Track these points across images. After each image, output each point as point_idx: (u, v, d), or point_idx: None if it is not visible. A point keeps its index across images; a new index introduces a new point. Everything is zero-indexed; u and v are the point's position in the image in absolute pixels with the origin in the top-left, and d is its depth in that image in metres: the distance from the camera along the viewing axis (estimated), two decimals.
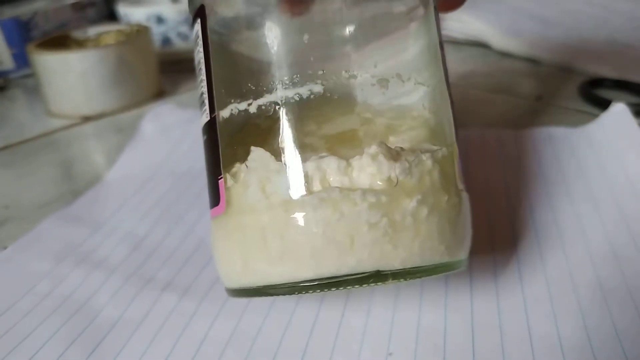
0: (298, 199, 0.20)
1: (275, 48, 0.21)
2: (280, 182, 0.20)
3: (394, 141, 0.21)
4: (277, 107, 0.20)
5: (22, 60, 0.65)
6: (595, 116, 0.38)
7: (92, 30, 0.58)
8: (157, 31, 0.63)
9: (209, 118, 0.22)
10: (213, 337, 0.24)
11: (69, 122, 0.52)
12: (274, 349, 0.23)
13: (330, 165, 0.20)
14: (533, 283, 0.25)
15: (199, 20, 0.23)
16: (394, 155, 0.20)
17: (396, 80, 0.21)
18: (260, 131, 0.21)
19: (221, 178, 0.21)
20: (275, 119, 0.20)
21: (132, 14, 0.65)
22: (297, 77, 0.21)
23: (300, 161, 0.20)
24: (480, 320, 0.24)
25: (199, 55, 0.23)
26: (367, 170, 0.20)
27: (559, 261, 0.26)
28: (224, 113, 0.22)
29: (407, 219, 0.20)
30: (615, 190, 0.31)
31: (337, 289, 0.20)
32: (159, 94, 0.56)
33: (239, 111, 0.21)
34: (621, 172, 0.32)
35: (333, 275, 0.19)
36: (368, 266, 0.19)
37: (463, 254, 0.22)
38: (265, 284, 0.21)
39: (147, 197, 0.35)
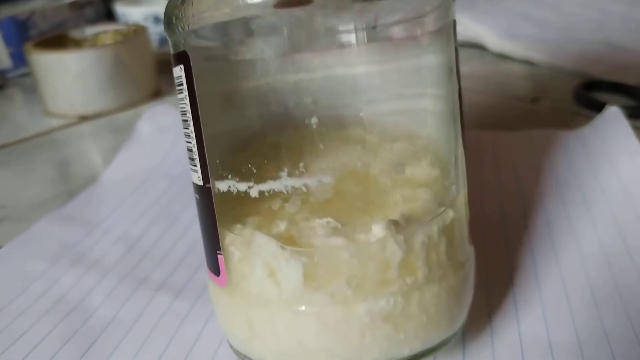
0: (309, 295, 0.19)
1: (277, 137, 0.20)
2: (291, 273, 0.19)
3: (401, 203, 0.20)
4: (280, 194, 0.19)
5: (19, 59, 0.65)
6: (590, 119, 0.39)
7: (90, 30, 0.58)
8: (154, 31, 0.64)
9: (201, 184, 0.20)
10: (206, 338, 0.24)
11: (66, 122, 0.52)
12: None
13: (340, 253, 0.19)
14: (524, 286, 0.25)
15: (182, 67, 0.20)
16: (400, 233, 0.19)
17: (412, 160, 0.21)
18: (263, 210, 0.20)
19: (221, 254, 0.20)
20: (280, 207, 0.20)
21: (130, 13, 0.66)
22: (303, 167, 0.19)
23: (310, 252, 0.19)
24: (471, 319, 0.24)
25: (184, 107, 0.20)
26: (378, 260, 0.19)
27: (550, 264, 0.27)
28: (221, 186, 0.20)
29: (414, 306, 0.19)
30: (608, 193, 0.31)
31: None
32: (156, 94, 0.56)
33: (238, 191, 0.20)
34: (614, 175, 0.32)
35: None
36: (384, 356, 0.19)
37: (464, 318, 0.22)
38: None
39: (143, 198, 0.35)
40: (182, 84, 0.20)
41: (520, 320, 0.24)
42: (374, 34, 0.19)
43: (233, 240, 0.20)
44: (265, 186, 0.19)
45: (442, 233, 0.20)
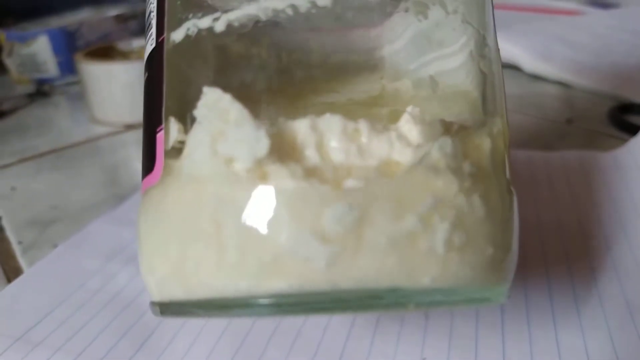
0: (276, 171, 0.13)
1: None
2: (247, 142, 0.13)
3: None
4: (257, 24, 0.14)
5: (66, 68, 0.68)
6: (625, 141, 0.39)
7: (136, 43, 0.61)
8: None
9: (154, 45, 0.16)
10: (256, 332, 0.26)
11: (112, 130, 0.54)
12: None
13: (333, 126, 0.13)
14: (562, 298, 0.26)
15: None
16: (444, 125, 0.14)
17: (438, 9, 0.16)
18: (227, 64, 0.15)
19: (161, 130, 0.15)
20: (253, 44, 0.15)
21: None
22: None
23: (285, 115, 0.13)
24: (510, 328, 0.25)
25: None
26: (410, 136, 0.14)
27: (587, 280, 0.27)
28: (176, 35, 0.15)
29: (449, 216, 0.13)
30: None
31: (326, 313, 0.15)
32: None
33: (199, 30, 0.15)
34: None
35: (323, 291, 0.13)
36: (381, 281, 0.13)
37: (509, 279, 0.16)
38: (211, 297, 0.13)
39: None
40: None
41: (558, 333, 0.25)
42: None
43: (181, 109, 0.15)
44: (236, 13, 0.14)
45: (490, 139, 0.15)
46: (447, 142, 0.14)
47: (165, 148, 0.15)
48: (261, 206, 0.13)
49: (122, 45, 0.61)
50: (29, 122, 0.59)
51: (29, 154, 0.50)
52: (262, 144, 0.13)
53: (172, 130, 0.15)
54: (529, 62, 0.60)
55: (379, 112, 0.15)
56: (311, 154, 0.13)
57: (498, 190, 0.15)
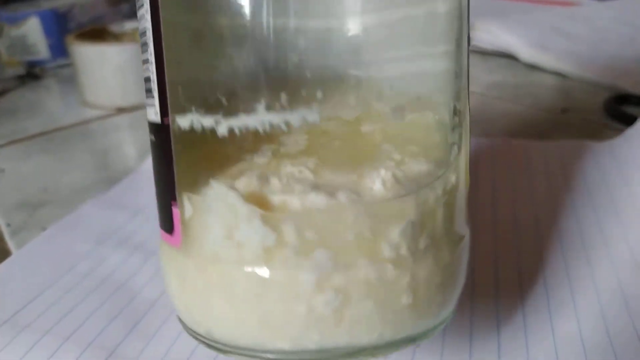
0: (278, 257, 0.16)
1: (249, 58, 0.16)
2: (257, 236, 0.16)
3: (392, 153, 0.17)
4: (257, 134, 0.16)
5: (57, 50, 0.67)
6: (620, 132, 0.39)
7: (129, 25, 0.60)
8: None
9: (158, 120, 0.17)
10: None
11: (104, 113, 0.53)
12: None
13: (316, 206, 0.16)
14: (557, 289, 0.26)
15: None
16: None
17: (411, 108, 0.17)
18: (230, 155, 0.17)
19: (175, 205, 0.17)
20: (251, 150, 0.16)
21: None
22: (285, 98, 0.16)
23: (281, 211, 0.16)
24: (506, 319, 0.25)
25: (144, 23, 0.17)
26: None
27: (582, 269, 0.27)
28: (183, 122, 0.16)
29: (405, 281, 0.16)
30: (638, 204, 0.32)
31: None
32: None
33: (203, 127, 0.16)
34: None
35: (315, 349, 0.16)
36: (357, 341, 0.16)
37: (453, 306, 0.19)
38: (227, 343, 0.17)
39: None
40: (141, 6, 0.16)
41: (552, 318, 0.24)
42: None
43: (191, 182, 0.17)
44: (236, 121, 0.16)
45: (442, 199, 0.17)
46: (408, 227, 0.16)
47: (182, 221, 0.17)
48: (266, 284, 0.16)
49: (114, 27, 0.60)
50: (19, 104, 0.58)
51: (18, 136, 0.49)
52: (269, 238, 0.16)
53: (186, 208, 0.17)
54: (525, 51, 0.60)
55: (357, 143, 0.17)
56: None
57: (448, 247, 0.18)
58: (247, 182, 0.16)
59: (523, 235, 0.30)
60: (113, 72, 0.52)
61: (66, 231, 0.32)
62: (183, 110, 0.16)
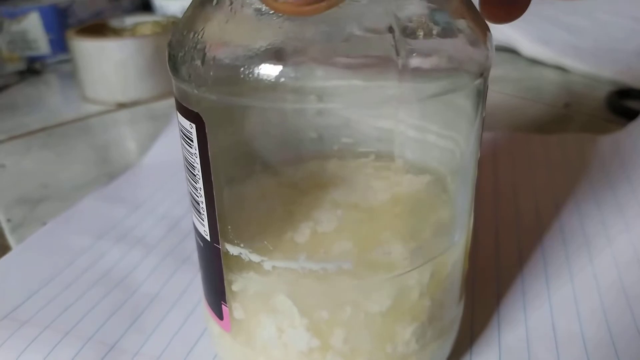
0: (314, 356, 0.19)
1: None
2: (301, 340, 0.19)
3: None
4: (296, 275, 0.18)
5: (58, 46, 0.67)
6: (623, 126, 0.39)
7: (129, 20, 0.60)
8: None
9: (209, 240, 0.19)
10: None
11: (104, 108, 0.53)
12: None
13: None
14: (559, 284, 0.26)
15: (194, 127, 0.17)
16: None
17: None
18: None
19: (226, 306, 0.19)
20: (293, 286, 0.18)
21: (168, 6, 0.67)
22: (324, 252, 0.18)
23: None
24: (507, 316, 0.24)
25: (192, 161, 0.18)
26: None
27: (584, 264, 0.27)
28: (232, 250, 0.18)
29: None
30: None
31: None
32: None
33: (250, 260, 0.18)
34: None
35: None
36: None
37: None
38: None
39: (183, 183, 0.36)
40: (191, 140, 0.17)
41: (554, 315, 0.24)
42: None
43: (241, 296, 0.19)
44: (281, 264, 0.18)
45: (430, 283, 0.19)
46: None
47: (232, 318, 0.19)
48: None
49: (115, 22, 0.60)
50: (19, 100, 0.58)
51: (19, 131, 0.49)
52: (313, 342, 0.18)
53: (235, 311, 0.19)
54: (527, 46, 0.60)
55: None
56: None
57: (452, 310, 0.21)
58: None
59: (524, 228, 0.30)
60: (113, 67, 0.52)
61: (66, 226, 0.32)
62: (232, 243, 0.18)
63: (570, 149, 0.38)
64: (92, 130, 0.49)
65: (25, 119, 0.52)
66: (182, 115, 0.17)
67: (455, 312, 0.21)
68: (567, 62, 0.56)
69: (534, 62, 0.59)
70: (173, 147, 0.41)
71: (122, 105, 0.53)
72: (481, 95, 0.18)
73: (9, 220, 0.35)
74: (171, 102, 0.52)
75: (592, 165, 0.35)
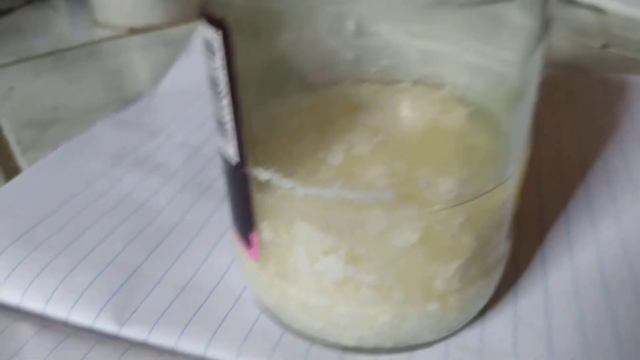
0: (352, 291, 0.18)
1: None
2: (331, 267, 0.17)
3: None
4: (330, 203, 0.16)
5: None
6: None
7: None
8: None
9: (237, 169, 0.17)
10: None
11: (115, 33, 0.50)
12: None
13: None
14: (605, 224, 0.25)
15: (220, 34, 0.15)
16: None
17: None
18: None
19: (254, 233, 0.18)
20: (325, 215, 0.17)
21: None
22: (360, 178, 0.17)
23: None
24: (551, 255, 0.23)
25: (217, 77, 0.16)
26: None
27: (631, 202, 0.26)
28: (261, 175, 0.17)
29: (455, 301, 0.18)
30: None
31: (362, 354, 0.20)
32: None
33: (281, 186, 0.17)
34: None
35: (366, 347, 0.19)
36: (400, 341, 0.19)
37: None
38: (301, 332, 0.20)
39: (200, 111, 0.34)
40: (215, 51, 0.15)
41: (600, 256, 0.23)
42: None
43: (271, 224, 0.18)
44: (314, 190, 0.16)
45: (477, 220, 0.17)
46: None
47: (261, 245, 0.18)
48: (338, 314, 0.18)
49: None
50: (25, 23, 0.55)
51: (26, 54, 0.47)
52: (348, 271, 0.17)
53: (264, 240, 0.18)
54: None
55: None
56: None
57: (499, 248, 0.19)
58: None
59: (567, 166, 0.28)
60: None
61: (79, 150, 0.31)
62: (262, 166, 0.17)
63: (612, 88, 0.35)
64: (103, 56, 0.47)
65: (32, 42, 0.49)
66: (205, 23, 0.15)
67: (501, 250, 0.20)
68: (603, 3, 0.53)
69: (567, 1, 0.56)
70: (189, 75, 0.39)
71: (133, 31, 0.50)
72: (546, 4, 0.16)
73: (19, 143, 0.33)
74: (185, 28, 0.50)
75: (634, 104, 0.33)
